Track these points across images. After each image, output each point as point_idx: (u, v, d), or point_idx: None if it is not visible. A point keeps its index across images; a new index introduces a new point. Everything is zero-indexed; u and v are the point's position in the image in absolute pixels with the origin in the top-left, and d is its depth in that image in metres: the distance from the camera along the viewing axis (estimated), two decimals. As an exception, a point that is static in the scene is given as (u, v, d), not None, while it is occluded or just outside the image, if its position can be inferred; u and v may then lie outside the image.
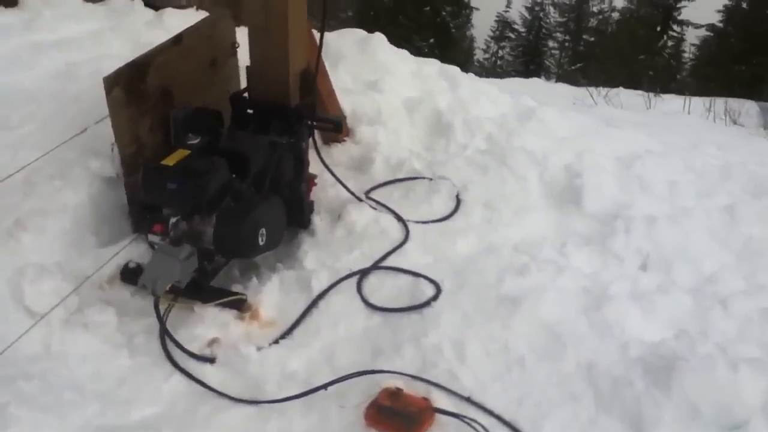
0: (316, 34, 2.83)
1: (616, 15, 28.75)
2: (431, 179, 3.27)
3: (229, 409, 2.11)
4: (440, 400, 2.06)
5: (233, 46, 3.11)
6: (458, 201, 3.13)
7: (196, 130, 2.60)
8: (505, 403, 2.06)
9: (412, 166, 3.38)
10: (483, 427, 1.95)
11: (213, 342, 2.33)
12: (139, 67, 2.61)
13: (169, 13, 4.22)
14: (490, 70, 32.44)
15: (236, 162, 2.47)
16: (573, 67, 29.74)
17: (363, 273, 2.62)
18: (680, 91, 13.96)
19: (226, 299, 2.44)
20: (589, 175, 3.26)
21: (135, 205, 2.53)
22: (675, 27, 25.00)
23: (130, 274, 2.53)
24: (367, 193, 3.19)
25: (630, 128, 4.57)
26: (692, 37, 24.20)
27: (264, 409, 2.10)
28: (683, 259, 2.84)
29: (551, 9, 34.23)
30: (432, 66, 4.33)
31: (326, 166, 3.08)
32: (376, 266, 2.66)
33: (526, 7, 34.68)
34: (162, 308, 2.39)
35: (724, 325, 2.42)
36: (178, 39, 2.79)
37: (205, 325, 2.39)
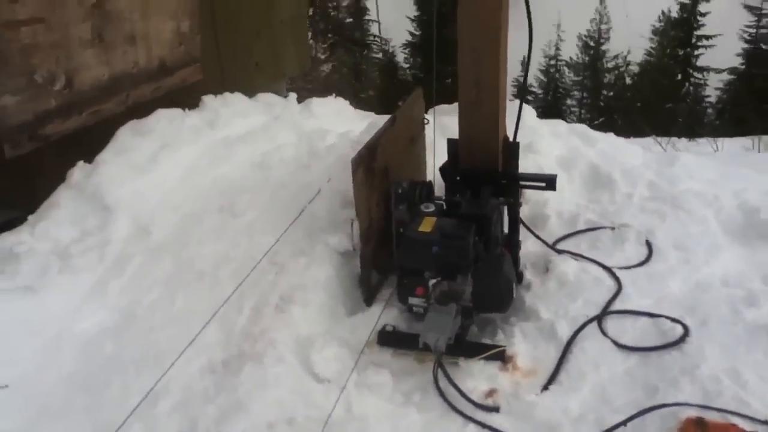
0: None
1: (633, 68, 29.45)
2: (613, 228, 3.43)
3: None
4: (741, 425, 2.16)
5: (424, 122, 3.37)
6: (649, 246, 3.29)
7: (422, 201, 2.82)
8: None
9: (587, 218, 3.56)
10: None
11: (491, 393, 2.46)
12: (372, 149, 2.85)
13: (315, 102, 4.55)
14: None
15: (479, 224, 2.67)
16: (596, 122, 30.28)
17: (600, 317, 2.76)
18: (712, 134, 14.22)
19: (489, 352, 2.58)
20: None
21: (399, 274, 2.70)
22: (695, 74, 25.48)
23: (387, 338, 2.69)
24: (553, 246, 3.36)
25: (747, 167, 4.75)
26: (715, 81, 24.58)
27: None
28: None
29: (566, 69, 35.17)
30: (561, 125, 4.57)
31: (523, 223, 3.26)
32: (611, 311, 2.80)
33: (541, 71, 35.68)
34: (428, 365, 2.55)
35: None
36: (393, 120, 3.04)
37: (475, 378, 2.52)
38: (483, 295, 2.55)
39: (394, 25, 28.62)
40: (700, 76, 25.23)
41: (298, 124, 4.13)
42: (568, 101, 35.38)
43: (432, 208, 2.74)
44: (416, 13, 26.93)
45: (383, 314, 2.80)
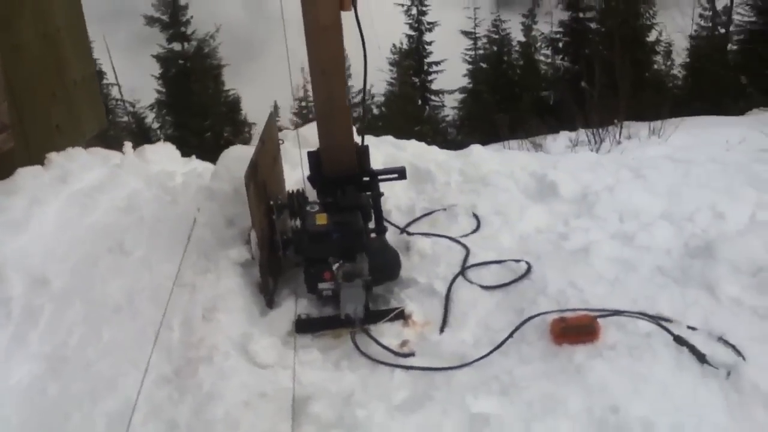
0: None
1: (379, 99, 32.05)
2: (445, 209, 4.17)
3: (455, 373, 2.77)
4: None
5: (279, 143, 3.84)
6: (476, 217, 4.06)
7: (300, 207, 3.30)
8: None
9: (421, 206, 4.25)
10: (635, 313, 2.86)
11: (404, 344, 2.99)
12: (254, 166, 3.25)
13: (148, 149, 4.75)
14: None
15: (361, 212, 3.21)
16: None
17: (462, 272, 3.43)
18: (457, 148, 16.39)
19: (392, 314, 3.10)
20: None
21: (305, 266, 3.11)
22: (432, 97, 28.47)
23: (303, 325, 3.08)
24: (404, 230, 3.99)
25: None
26: (451, 101, 27.71)
27: (481, 364, 2.80)
28: None
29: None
30: (369, 138, 5.28)
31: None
32: (468, 266, 3.48)
33: (294, 113, 37.19)
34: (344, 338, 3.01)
35: None
36: (262, 142, 3.46)
37: (386, 337, 3.02)
38: (379, 268, 3.08)
39: (139, 86, 27.86)
40: (436, 98, 28.24)
41: (141, 169, 4.32)
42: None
43: (317, 208, 3.22)
44: (160, 71, 26.02)
45: (289, 307, 3.19)
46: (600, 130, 12.25)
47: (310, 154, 3.58)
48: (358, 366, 2.90)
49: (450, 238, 3.81)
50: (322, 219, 3.07)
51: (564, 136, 13.45)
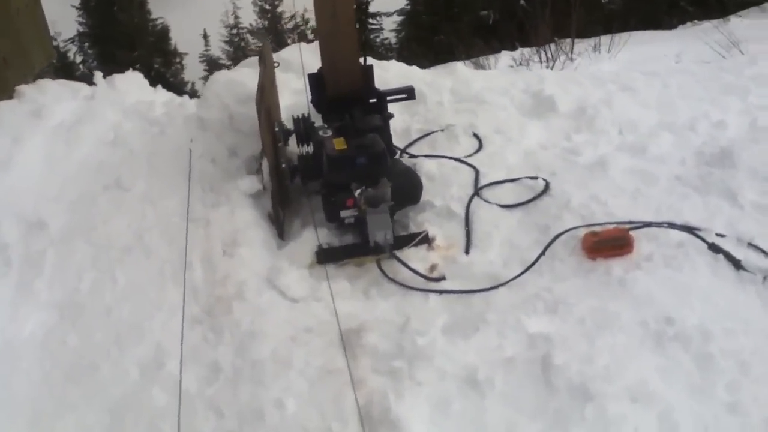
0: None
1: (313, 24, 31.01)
2: (443, 130, 4.03)
3: (491, 295, 2.71)
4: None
5: (275, 66, 3.59)
6: (477, 136, 3.95)
7: (307, 132, 3.11)
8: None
9: (416, 128, 4.10)
10: (666, 223, 2.84)
11: (432, 268, 2.90)
12: (262, 90, 3.02)
13: (117, 78, 4.40)
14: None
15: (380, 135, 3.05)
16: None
17: (477, 192, 3.33)
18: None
19: (417, 239, 3.00)
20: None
21: (324, 194, 2.94)
22: (370, 20, 27.73)
23: (325, 254, 2.94)
24: (402, 152, 3.85)
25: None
26: (390, 24, 27.08)
27: (516, 283, 2.74)
28: None
29: (249, 37, 35.59)
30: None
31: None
32: (482, 186, 3.38)
33: (225, 41, 35.61)
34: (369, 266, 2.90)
35: None
36: (264, 64, 3.22)
37: (413, 262, 2.92)
38: (402, 191, 2.95)
39: (59, 18, 26.14)
40: (374, 21, 27.52)
41: (116, 100, 4.01)
42: (259, 66, 36.04)
43: (330, 132, 3.03)
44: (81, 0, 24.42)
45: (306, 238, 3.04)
46: (545, 49, 12.13)
47: (311, 76, 3.36)
48: (389, 293, 2.80)
49: (455, 159, 3.70)
50: (340, 144, 2.89)
51: (506, 56, 13.32)
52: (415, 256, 2.98)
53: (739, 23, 10.98)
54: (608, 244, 2.78)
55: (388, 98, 3.38)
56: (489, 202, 3.26)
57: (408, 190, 2.99)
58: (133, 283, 2.64)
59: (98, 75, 4.19)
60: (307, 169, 3.15)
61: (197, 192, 3.07)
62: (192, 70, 31.62)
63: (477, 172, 3.52)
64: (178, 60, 27.64)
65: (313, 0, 3.18)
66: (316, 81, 3.34)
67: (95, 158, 3.24)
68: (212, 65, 36.15)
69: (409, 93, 3.43)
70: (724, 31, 9.07)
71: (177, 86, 26.85)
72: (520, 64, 12.63)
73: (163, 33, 25.75)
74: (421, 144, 3.96)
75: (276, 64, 3.62)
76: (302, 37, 33.94)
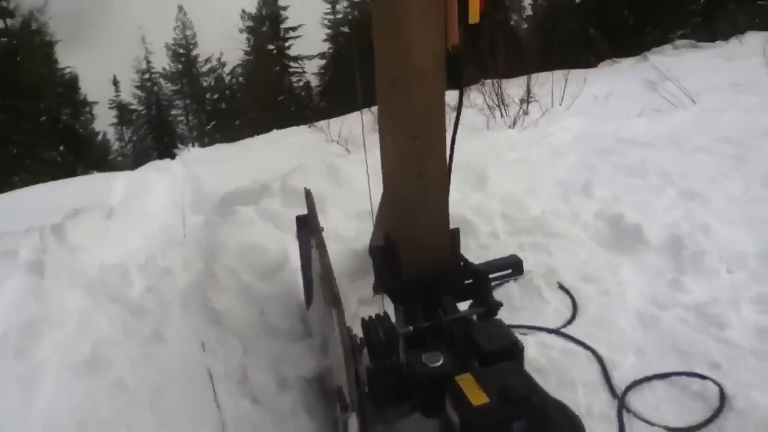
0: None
1: (228, 68, 29.81)
2: (516, 279, 3.09)
3: None
4: None
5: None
6: (567, 291, 3.03)
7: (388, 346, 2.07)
8: None
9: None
10: None
11: None
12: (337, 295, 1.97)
13: (69, 227, 3.24)
14: (131, 156, 30.95)
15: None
16: (208, 126, 30.09)
17: (622, 401, 2.39)
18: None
19: None
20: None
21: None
22: (291, 63, 26.91)
23: None
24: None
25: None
26: (312, 67, 26.34)
27: None
28: None
29: (162, 81, 33.85)
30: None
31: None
32: (628, 390, 2.45)
33: (137, 86, 33.76)
34: None
35: None
36: (322, 246, 2.18)
37: None
38: None
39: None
40: (296, 64, 26.70)
41: (73, 267, 2.86)
42: (173, 111, 34.32)
43: (440, 358, 1.98)
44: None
45: None
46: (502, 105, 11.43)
47: (375, 249, 2.35)
48: None
49: (571, 339, 2.73)
50: (472, 391, 1.84)
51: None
52: None
53: (660, 61, 10.62)
54: None
55: (491, 276, 2.37)
56: (650, 423, 2.30)
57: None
58: None
59: (39, 232, 3.00)
60: (382, 395, 2.07)
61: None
62: (102, 119, 29.69)
63: (600, 360, 2.58)
64: (87, 110, 25.74)
65: (390, 162, 2.17)
66: (382, 255, 2.33)
67: (64, 407, 2.08)
68: (122, 111, 34.21)
69: (515, 267, 2.46)
70: (661, 68, 8.80)
71: (87, 138, 24.93)
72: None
73: (72, 83, 23.98)
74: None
75: (321, 229, 2.56)
76: (219, 81, 32.48)
